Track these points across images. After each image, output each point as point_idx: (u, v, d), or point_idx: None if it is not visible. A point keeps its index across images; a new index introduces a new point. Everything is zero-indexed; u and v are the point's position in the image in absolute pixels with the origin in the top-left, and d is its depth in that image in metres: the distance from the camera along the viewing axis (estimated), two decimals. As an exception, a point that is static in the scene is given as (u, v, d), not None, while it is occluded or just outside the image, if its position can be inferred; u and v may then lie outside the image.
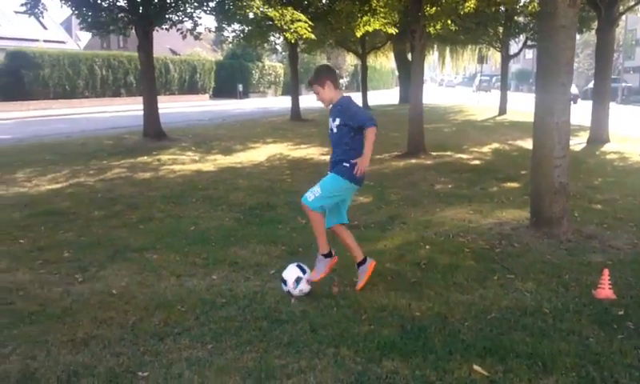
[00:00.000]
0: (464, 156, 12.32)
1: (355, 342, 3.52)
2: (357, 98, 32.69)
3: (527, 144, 13.44)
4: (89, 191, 8.41)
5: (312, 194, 4.23)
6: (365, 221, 6.64)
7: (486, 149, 13.69)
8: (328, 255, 4.36)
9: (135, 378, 3.12)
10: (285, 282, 4.29)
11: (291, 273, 4.29)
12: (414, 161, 11.37)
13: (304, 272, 4.29)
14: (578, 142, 13.96)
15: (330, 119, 4.29)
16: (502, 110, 25.41)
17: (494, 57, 39.38)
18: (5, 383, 3.06)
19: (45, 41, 39.06)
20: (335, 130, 4.23)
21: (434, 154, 12.17)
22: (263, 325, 3.79)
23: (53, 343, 3.52)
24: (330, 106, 4.30)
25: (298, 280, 4.25)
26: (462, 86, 78.03)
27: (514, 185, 8.95)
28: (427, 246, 5.58)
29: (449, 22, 13.98)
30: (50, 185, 8.89)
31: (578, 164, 10.52)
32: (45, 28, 41.01)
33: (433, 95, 44.25)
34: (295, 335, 3.63)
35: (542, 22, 6.10)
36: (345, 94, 4.32)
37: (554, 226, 5.90)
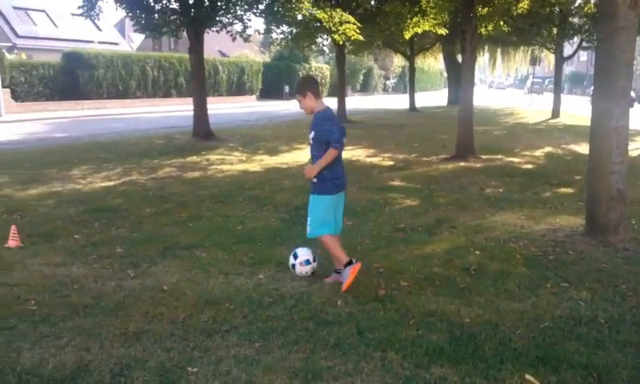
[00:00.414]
0: (515, 159, 12.02)
1: (403, 347, 3.48)
2: (404, 99, 32.37)
3: (582, 149, 13.03)
4: (140, 189, 8.63)
5: (309, 227, 4.56)
6: (411, 224, 6.56)
7: (538, 152, 13.31)
8: (349, 264, 4.43)
9: (185, 373, 3.18)
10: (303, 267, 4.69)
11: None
12: (463, 164, 11.17)
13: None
14: (635, 148, 13.40)
15: (310, 130, 4.52)
16: (556, 113, 24.71)
17: (547, 58, 38.38)
18: (60, 373, 3.17)
19: (99, 42, 40.33)
20: (311, 142, 4.48)
21: (484, 156, 11.92)
22: (309, 325, 3.79)
23: (106, 336, 3.62)
24: (311, 115, 4.52)
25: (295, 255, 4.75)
26: (513, 88, 76.22)
27: (568, 190, 8.67)
28: (477, 252, 5.46)
29: (501, 22, 13.69)
30: (103, 182, 9.17)
31: (636, 170, 10.08)
32: (99, 29, 42.34)
33: (483, 97, 43.44)
34: (342, 337, 3.62)
35: (600, 24, 5.89)
36: (325, 107, 4.51)
37: (610, 233, 5.69)
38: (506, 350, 3.46)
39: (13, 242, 5.59)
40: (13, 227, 5.75)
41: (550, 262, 5.14)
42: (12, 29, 37.96)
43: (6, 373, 3.16)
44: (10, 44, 35.40)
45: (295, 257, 4.75)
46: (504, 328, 3.77)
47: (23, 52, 33.86)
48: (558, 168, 10.92)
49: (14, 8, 39.04)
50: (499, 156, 12.32)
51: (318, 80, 33.90)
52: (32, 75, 27.13)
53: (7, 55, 26.98)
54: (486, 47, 35.58)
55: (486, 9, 12.28)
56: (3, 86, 24.07)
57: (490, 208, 7.42)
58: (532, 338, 3.63)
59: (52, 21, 41.61)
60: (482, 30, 12.70)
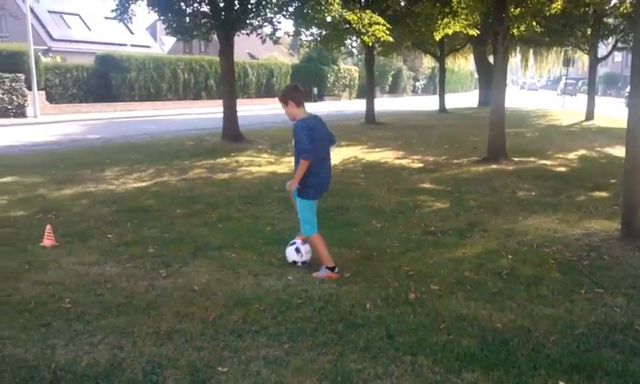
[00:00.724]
0: (548, 162, 11.78)
1: (433, 351, 3.45)
2: (433, 100, 32.16)
3: (617, 151, 12.71)
4: (171, 190, 8.73)
5: (302, 228, 4.93)
6: (442, 227, 6.49)
7: (571, 155, 13.02)
8: (332, 269, 4.86)
9: (215, 373, 3.20)
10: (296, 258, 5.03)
11: (290, 251, 5.09)
12: (494, 166, 11.00)
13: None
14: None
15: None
16: (590, 115, 24.16)
17: (581, 59, 37.59)
18: (94, 370, 3.23)
19: (131, 45, 41.08)
20: (294, 149, 4.78)
21: (516, 159, 11.73)
22: (338, 328, 3.79)
23: (138, 335, 3.68)
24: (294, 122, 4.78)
25: (297, 250, 5.03)
26: (546, 90, 74.83)
27: (603, 194, 8.46)
28: (509, 256, 5.38)
29: (534, 23, 13.45)
30: (135, 183, 9.32)
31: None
32: (132, 33, 43.12)
33: (514, 98, 42.76)
34: (371, 340, 3.60)
35: (638, 24, 5.73)
36: (307, 114, 4.77)
37: (647, 238, 5.54)
38: (540, 357, 3.40)
39: (48, 241, 5.72)
40: (48, 226, 5.88)
41: (585, 267, 5.03)
42: (47, 32, 38.97)
43: (41, 369, 3.23)
44: (46, 47, 36.32)
45: (298, 251, 5.07)
46: (537, 334, 3.71)
47: (58, 55, 34.67)
48: (592, 171, 10.67)
49: (50, 12, 40.04)
50: (532, 158, 12.11)
51: (347, 81, 33.70)
52: (66, 78, 27.75)
53: (42, 58, 27.64)
54: (518, 48, 35.03)
55: (518, 9, 12.08)
56: (39, 89, 24.69)
57: (522, 211, 7.29)
58: (566, 344, 3.55)
59: (86, 24, 42.57)
60: (515, 30, 12.48)
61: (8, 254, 5.35)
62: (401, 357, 3.39)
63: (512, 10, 11.87)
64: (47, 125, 21.45)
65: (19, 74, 24.07)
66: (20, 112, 24.14)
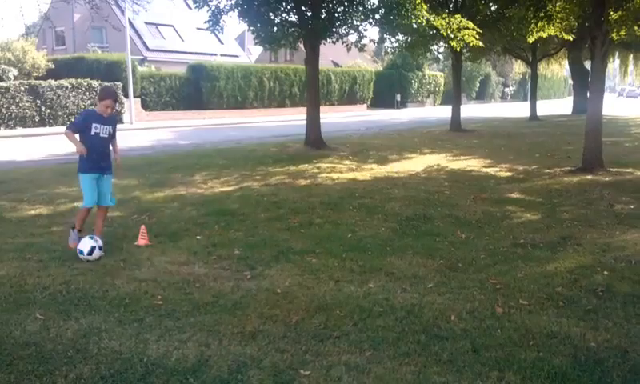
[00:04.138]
0: (649, 174, 11.00)
1: (522, 368, 3.30)
2: (524, 107, 31.20)
3: None
4: (256, 194, 8.94)
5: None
6: (532, 240, 6.21)
7: (676, 167, 12.08)
8: (79, 230, 5.81)
9: (298, 376, 3.23)
10: (81, 252, 5.35)
11: (86, 243, 5.40)
12: (589, 177, 10.41)
13: (96, 242, 5.45)
14: None
15: None
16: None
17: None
18: (182, 366, 3.35)
19: (221, 55, 42.63)
20: None
21: (614, 170, 11.02)
22: (421, 338, 3.72)
23: (224, 334, 3.78)
24: None
25: (92, 250, 5.36)
26: (647, 98, 70.11)
27: None
28: (605, 272, 5.05)
29: (635, 27, 12.63)
30: (222, 187, 9.62)
31: None
32: (221, 43, 44.73)
33: (612, 106, 40.34)
34: (455, 353, 3.50)
35: None
36: (89, 108, 6.14)
37: None
38: (637, 379, 3.20)
39: (142, 240, 6.02)
40: (142, 227, 6.20)
41: (691, 288, 4.63)
42: (143, 43, 41.23)
43: (134, 362, 3.40)
44: (142, 57, 38.39)
45: (82, 253, 5.37)
46: (635, 355, 3.48)
47: (153, 64, 36.59)
48: (701, 184, 9.83)
49: (146, 23, 42.35)
50: (630, 169, 11.34)
51: (432, 87, 33.49)
52: (160, 86, 29.23)
53: (139, 67, 29.28)
54: (617, 53, 33.12)
55: (618, 13, 11.38)
56: (134, 97, 26.15)
57: (619, 225, 6.84)
58: (669, 369, 3.29)
59: (179, 35, 44.63)
60: (614, 34, 11.76)
61: (106, 252, 5.68)
62: (487, 372, 3.27)
63: (612, 13, 11.20)
64: (142, 131, 22.68)
65: (117, 83, 25.60)
66: (117, 118, 25.67)
